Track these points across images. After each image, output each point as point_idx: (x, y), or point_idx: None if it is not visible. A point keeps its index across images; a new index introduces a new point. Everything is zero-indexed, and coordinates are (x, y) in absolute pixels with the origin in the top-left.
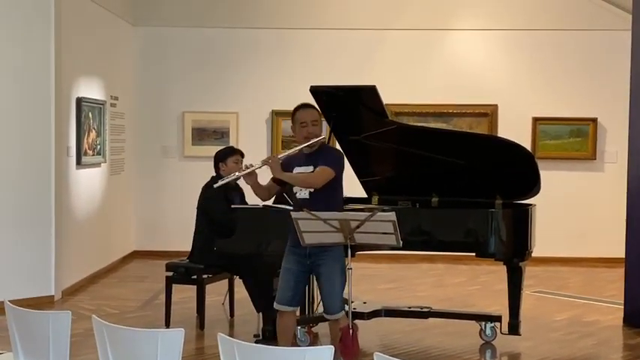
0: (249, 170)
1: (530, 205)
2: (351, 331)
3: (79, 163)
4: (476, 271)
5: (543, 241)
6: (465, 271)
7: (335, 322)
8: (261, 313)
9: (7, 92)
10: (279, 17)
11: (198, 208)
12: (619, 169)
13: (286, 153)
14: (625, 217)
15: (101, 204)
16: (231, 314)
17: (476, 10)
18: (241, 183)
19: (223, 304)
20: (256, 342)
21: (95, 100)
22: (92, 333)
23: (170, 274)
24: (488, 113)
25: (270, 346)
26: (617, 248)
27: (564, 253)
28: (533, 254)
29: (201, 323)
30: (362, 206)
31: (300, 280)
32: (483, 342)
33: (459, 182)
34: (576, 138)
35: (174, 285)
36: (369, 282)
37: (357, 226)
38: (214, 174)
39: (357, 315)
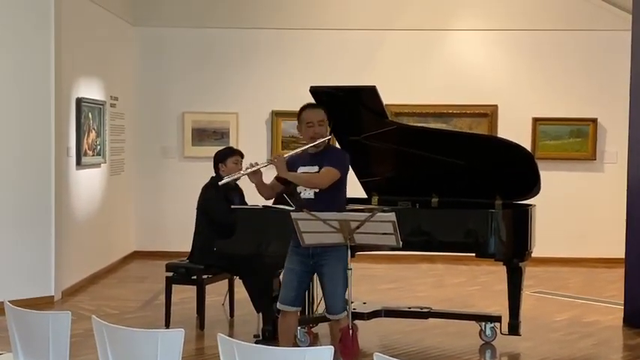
0: (254, 169)
1: (530, 205)
2: (350, 331)
3: (78, 163)
4: (476, 271)
5: (543, 242)
6: (464, 272)
7: (336, 322)
8: (261, 314)
9: (7, 92)
10: (279, 17)
11: (198, 208)
12: (619, 169)
13: (292, 152)
14: (625, 218)
15: (101, 204)
16: (231, 314)
17: (476, 10)
18: (243, 182)
19: (223, 304)
20: (256, 342)
21: (95, 100)
22: (92, 333)
23: (170, 274)
24: (488, 113)
25: (270, 347)
26: (617, 249)
27: (564, 253)
28: (533, 254)
29: (201, 323)
30: (362, 206)
31: (303, 280)
32: (483, 342)
33: (458, 182)
34: (576, 138)
35: (174, 285)
36: (369, 282)
37: (357, 227)
38: (214, 174)
39: (357, 315)
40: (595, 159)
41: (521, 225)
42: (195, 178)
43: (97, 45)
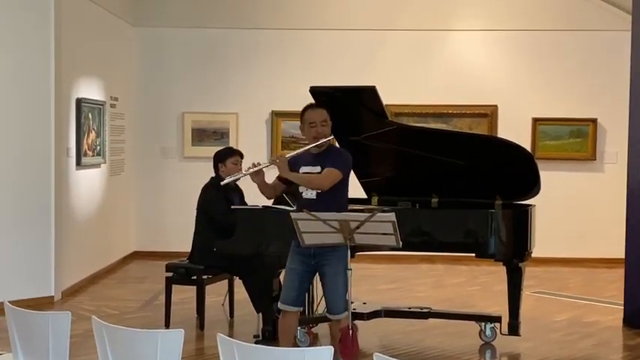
0: (256, 169)
1: (530, 205)
2: (350, 331)
3: (78, 163)
4: (475, 271)
5: (543, 242)
6: (464, 272)
7: (336, 322)
8: (260, 314)
9: (7, 93)
10: (279, 18)
11: (198, 208)
12: (619, 169)
13: (294, 152)
14: (625, 218)
15: (101, 205)
16: (231, 315)
17: (476, 10)
18: (243, 183)
19: (223, 304)
20: (256, 342)
21: (95, 100)
22: (92, 334)
23: (170, 274)
24: (488, 114)
25: (270, 347)
26: (617, 249)
27: (564, 253)
28: (533, 255)
29: (201, 324)
30: (362, 207)
31: (305, 280)
32: (483, 342)
33: (458, 183)
34: (576, 138)
35: (174, 285)
36: (369, 282)
37: (357, 227)
38: (214, 174)
39: (357, 315)
40: (595, 159)
41: (521, 225)
42: (195, 178)
43: (97, 45)
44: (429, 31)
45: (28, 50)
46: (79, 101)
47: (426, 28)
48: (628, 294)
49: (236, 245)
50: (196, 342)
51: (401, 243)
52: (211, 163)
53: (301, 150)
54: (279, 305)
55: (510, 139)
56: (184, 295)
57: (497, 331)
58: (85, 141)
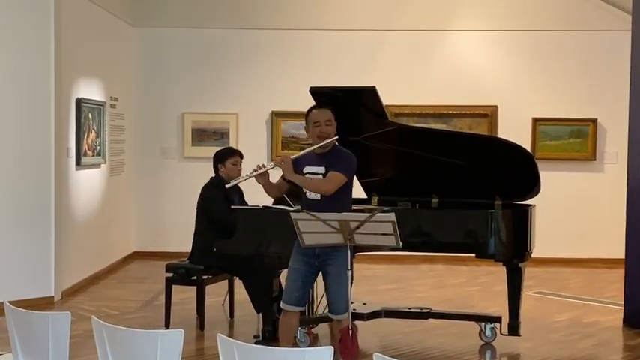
0: (260, 171)
1: (530, 205)
2: (350, 331)
3: (78, 164)
4: (475, 271)
5: (543, 242)
6: (464, 272)
7: (337, 322)
8: (260, 314)
9: (7, 93)
10: (279, 18)
11: (198, 208)
12: (619, 169)
13: (299, 154)
14: (625, 218)
15: (101, 205)
16: (231, 315)
17: (476, 10)
18: (244, 183)
19: (223, 304)
20: (256, 343)
21: (95, 100)
22: (92, 334)
23: (170, 274)
24: (488, 114)
25: (270, 347)
26: (617, 249)
27: (564, 253)
28: (533, 255)
29: (201, 324)
30: (362, 207)
31: (308, 280)
32: (483, 343)
33: (458, 183)
34: (576, 139)
35: (174, 286)
36: (369, 283)
37: (357, 227)
38: (214, 175)
39: (357, 316)
40: (595, 159)
41: (521, 225)
42: (195, 178)
43: (97, 45)
44: (428, 31)
45: (28, 50)
46: (79, 101)
47: (425, 28)
48: (628, 294)
49: (236, 245)
50: (196, 342)
51: (401, 243)
52: (211, 164)
53: (306, 151)
54: (282, 305)
55: (510, 140)
56: (184, 295)
57: (498, 331)
58: (85, 141)
